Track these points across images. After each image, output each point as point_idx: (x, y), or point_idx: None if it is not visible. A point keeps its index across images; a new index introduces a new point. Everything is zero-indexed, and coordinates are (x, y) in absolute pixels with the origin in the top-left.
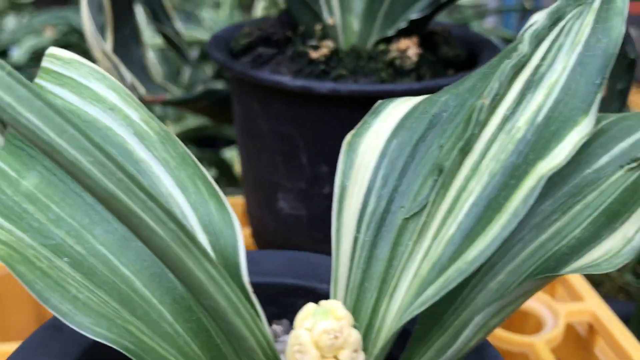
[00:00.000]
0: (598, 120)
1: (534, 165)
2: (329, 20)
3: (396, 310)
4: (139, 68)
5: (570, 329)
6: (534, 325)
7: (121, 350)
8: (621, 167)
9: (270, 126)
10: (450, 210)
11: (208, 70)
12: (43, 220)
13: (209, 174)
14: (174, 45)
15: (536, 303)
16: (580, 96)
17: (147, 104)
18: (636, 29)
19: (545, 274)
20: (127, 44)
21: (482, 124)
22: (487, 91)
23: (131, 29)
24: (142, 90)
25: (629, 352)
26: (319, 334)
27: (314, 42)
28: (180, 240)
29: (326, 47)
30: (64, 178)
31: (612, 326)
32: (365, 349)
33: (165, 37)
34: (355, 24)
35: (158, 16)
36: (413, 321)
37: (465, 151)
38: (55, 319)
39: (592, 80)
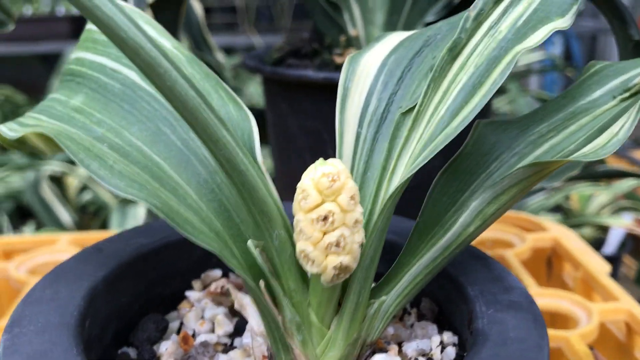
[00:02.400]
0: (592, 65)
1: (512, 49)
2: (352, 32)
3: (393, 190)
4: None
5: (605, 329)
6: (570, 326)
7: (150, 207)
8: (614, 97)
9: (298, 123)
10: (441, 100)
11: None
12: (87, 122)
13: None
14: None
15: (570, 304)
16: (557, 5)
17: None
18: None
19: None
20: None
21: (469, 33)
22: (473, 6)
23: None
24: None
25: None
26: (319, 177)
27: (339, 51)
28: (208, 113)
29: (350, 53)
30: (106, 94)
31: None
32: (366, 227)
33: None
34: (377, 33)
35: (199, 44)
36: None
37: (453, 52)
38: (96, 245)
39: None
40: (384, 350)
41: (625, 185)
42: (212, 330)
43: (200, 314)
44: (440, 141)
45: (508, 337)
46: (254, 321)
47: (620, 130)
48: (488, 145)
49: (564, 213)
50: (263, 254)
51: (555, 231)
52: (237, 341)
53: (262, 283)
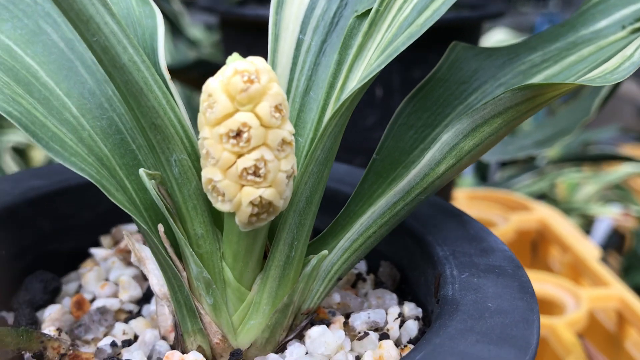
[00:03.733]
0: None
1: None
2: None
3: (338, 106)
4: None
5: (594, 318)
6: (556, 312)
7: (5, 115)
8: (623, 27)
9: None
10: None
11: None
12: None
13: None
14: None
15: (557, 289)
16: None
17: None
18: None
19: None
20: None
21: None
22: None
23: None
24: None
25: None
26: (231, 75)
27: None
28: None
29: None
30: None
31: None
32: (305, 159)
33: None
34: None
35: None
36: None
37: None
38: None
39: None
40: (325, 321)
41: (614, 175)
42: (116, 295)
43: (103, 274)
44: (402, 42)
45: (486, 308)
46: (155, 280)
47: (636, 52)
48: (467, 72)
49: (549, 201)
50: (161, 188)
51: (542, 212)
52: (145, 309)
53: (160, 227)
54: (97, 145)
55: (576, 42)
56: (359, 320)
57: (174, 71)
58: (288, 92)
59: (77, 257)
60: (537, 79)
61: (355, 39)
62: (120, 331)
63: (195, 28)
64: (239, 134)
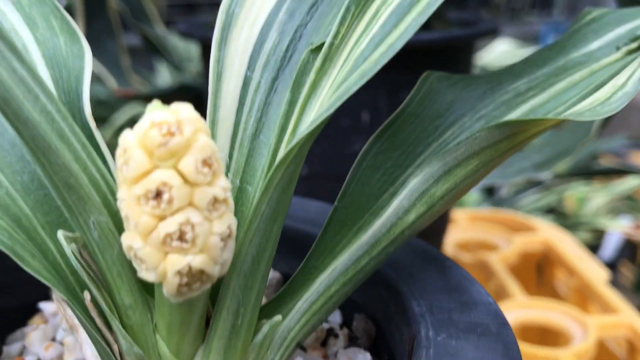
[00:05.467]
0: (588, 12)
1: None
2: None
3: (284, 155)
4: (112, 61)
5: (604, 346)
6: (562, 342)
7: None
8: (618, 48)
9: None
10: (365, 29)
11: None
12: None
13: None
14: (152, 46)
15: (563, 317)
16: None
17: (118, 97)
18: None
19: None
20: (99, 37)
21: None
22: None
23: (105, 22)
24: (112, 82)
25: None
26: (147, 127)
27: None
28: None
29: None
30: None
31: None
32: (254, 212)
33: (145, 38)
34: None
35: (137, 15)
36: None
37: None
38: None
39: None
40: None
41: (624, 186)
42: (61, 358)
43: (50, 333)
44: (354, 82)
45: None
46: (89, 351)
47: (629, 80)
48: (442, 105)
49: (558, 215)
50: (84, 252)
51: (546, 233)
52: None
53: (87, 295)
54: (16, 204)
55: (566, 66)
56: None
57: (159, 96)
58: (234, 136)
59: (27, 313)
60: (522, 109)
61: (309, 75)
62: None
63: (193, 46)
64: (158, 194)
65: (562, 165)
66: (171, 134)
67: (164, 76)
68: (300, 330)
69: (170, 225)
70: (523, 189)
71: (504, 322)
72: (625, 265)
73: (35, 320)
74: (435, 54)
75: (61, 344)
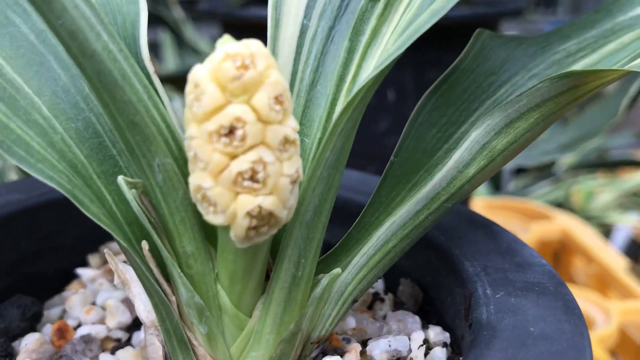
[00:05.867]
0: None
1: None
2: None
3: (350, 99)
4: None
5: (625, 332)
6: None
7: None
8: None
9: None
10: None
11: None
12: None
13: None
14: (171, 29)
15: (585, 303)
16: None
17: None
18: None
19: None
20: None
21: None
22: None
23: None
24: None
25: None
26: (221, 60)
27: None
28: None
29: None
30: None
31: None
32: (313, 161)
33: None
34: None
35: None
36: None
37: None
38: None
39: None
40: (339, 350)
41: (631, 183)
42: (103, 321)
43: (90, 298)
44: (425, 20)
45: (528, 334)
46: (142, 306)
47: None
48: (495, 62)
49: (565, 210)
50: (144, 198)
51: (563, 221)
52: (135, 336)
53: (144, 245)
54: (71, 150)
55: (614, 29)
56: (378, 349)
57: (178, 80)
58: (291, 86)
59: (64, 279)
60: (574, 68)
61: (368, 23)
62: None
63: (202, 41)
64: (231, 131)
65: (571, 158)
66: (245, 67)
67: (186, 59)
68: (357, 285)
69: (243, 163)
70: (530, 183)
71: (560, 282)
72: (630, 264)
73: (73, 285)
74: (461, 33)
75: (102, 308)
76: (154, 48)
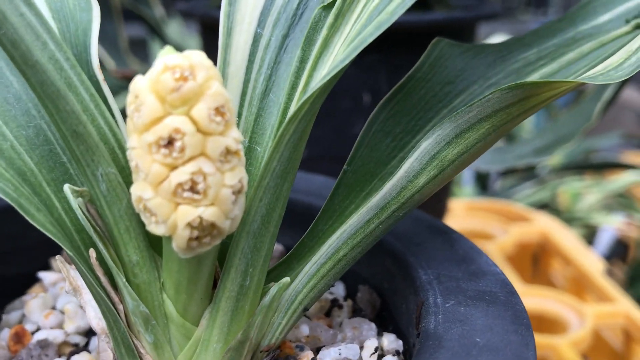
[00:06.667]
0: None
1: None
2: None
3: (296, 108)
4: (110, 43)
5: (600, 335)
6: (559, 330)
7: None
8: (627, 21)
9: None
10: None
11: None
12: None
13: None
14: (151, 28)
15: (559, 306)
16: None
17: (116, 78)
18: None
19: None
20: None
21: None
22: None
23: (103, 4)
24: (111, 64)
25: None
26: (160, 71)
27: None
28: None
29: None
30: None
31: None
32: (264, 170)
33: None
34: None
35: None
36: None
37: None
38: None
39: None
40: (291, 358)
41: (617, 184)
42: (61, 326)
43: (50, 302)
44: (369, 33)
45: (474, 344)
46: (92, 313)
47: None
48: (453, 72)
49: (551, 211)
50: (90, 207)
51: (542, 223)
52: (93, 341)
53: (92, 253)
54: (21, 158)
55: (575, 37)
56: (328, 357)
57: None
58: (243, 94)
59: (26, 282)
60: (532, 78)
61: (320, 32)
62: None
63: (192, 39)
64: (170, 142)
65: (557, 160)
66: (184, 78)
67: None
68: (307, 294)
69: (182, 174)
70: (517, 183)
71: (512, 291)
72: (617, 264)
73: (35, 289)
74: (437, 35)
75: (61, 312)
76: (142, 47)
